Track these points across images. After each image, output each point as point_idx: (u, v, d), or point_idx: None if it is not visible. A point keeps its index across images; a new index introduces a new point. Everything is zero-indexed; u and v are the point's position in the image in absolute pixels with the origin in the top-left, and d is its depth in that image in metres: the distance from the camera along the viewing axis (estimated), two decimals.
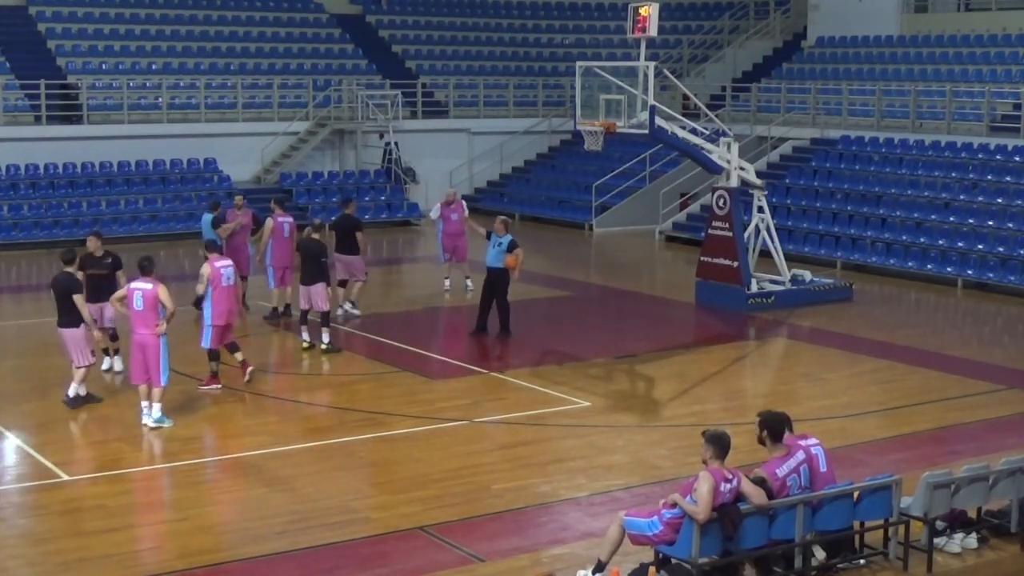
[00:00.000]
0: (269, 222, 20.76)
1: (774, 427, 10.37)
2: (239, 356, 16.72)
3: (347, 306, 21.32)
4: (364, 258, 21.33)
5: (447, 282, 23.92)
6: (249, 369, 16.75)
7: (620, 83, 21.59)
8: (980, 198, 26.76)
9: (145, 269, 14.96)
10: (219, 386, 16.53)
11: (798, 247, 27.41)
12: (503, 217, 20.70)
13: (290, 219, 20.99)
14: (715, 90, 37.20)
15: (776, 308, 22.34)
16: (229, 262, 16.78)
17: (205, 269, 16.28)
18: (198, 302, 17.08)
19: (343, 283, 21.28)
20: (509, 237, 19.82)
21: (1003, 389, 17.10)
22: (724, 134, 23.26)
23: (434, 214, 23.81)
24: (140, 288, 14.70)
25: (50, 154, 31.44)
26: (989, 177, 27.43)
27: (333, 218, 21.82)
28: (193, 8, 37.67)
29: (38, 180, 31.16)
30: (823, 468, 10.61)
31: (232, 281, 16.60)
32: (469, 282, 23.58)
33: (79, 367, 15.44)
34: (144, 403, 14.88)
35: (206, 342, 16.47)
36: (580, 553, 10.98)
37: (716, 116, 26.60)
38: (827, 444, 11.09)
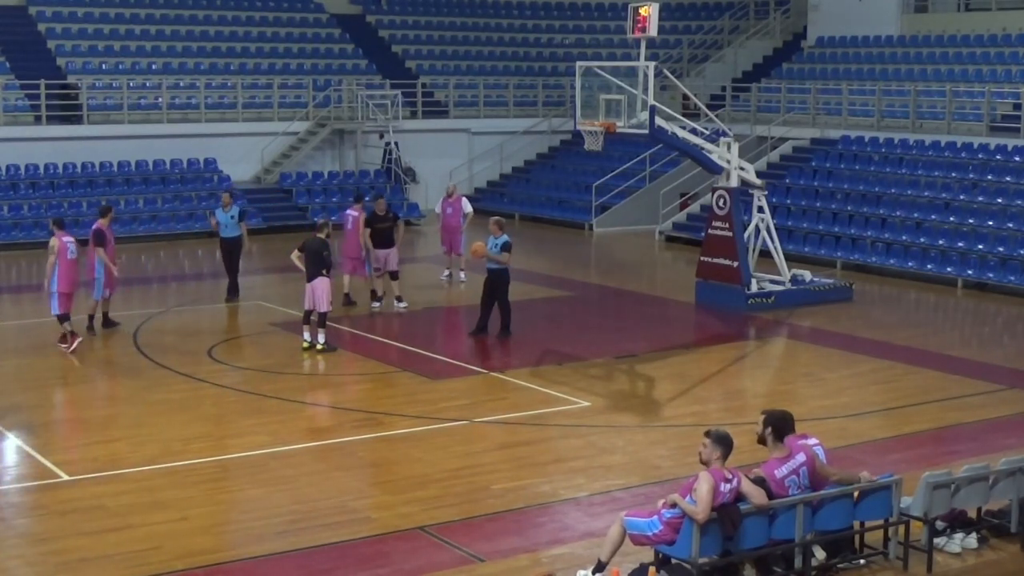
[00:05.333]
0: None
1: (778, 426, 10.30)
2: (68, 327, 18.61)
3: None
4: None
5: (446, 271, 24.94)
6: (78, 340, 18.66)
7: (620, 83, 21.59)
8: (980, 198, 26.75)
9: None
10: (75, 342, 18.62)
11: (798, 247, 27.40)
12: (497, 218, 20.67)
13: (356, 213, 22.16)
14: (715, 90, 37.19)
15: (776, 308, 22.33)
16: (72, 238, 18.82)
17: (53, 242, 18.48)
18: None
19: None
20: (505, 238, 19.78)
21: (1003, 389, 17.09)
22: (724, 134, 23.26)
23: (437, 209, 25.35)
24: None
25: (50, 154, 31.44)
26: (989, 177, 27.42)
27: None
28: (193, 8, 37.67)
29: (38, 180, 31.16)
30: None
31: (76, 255, 18.63)
32: (463, 274, 24.55)
33: None
34: None
35: (54, 308, 18.62)
36: (580, 553, 10.97)
37: (716, 116, 26.59)
38: (827, 444, 11.08)
